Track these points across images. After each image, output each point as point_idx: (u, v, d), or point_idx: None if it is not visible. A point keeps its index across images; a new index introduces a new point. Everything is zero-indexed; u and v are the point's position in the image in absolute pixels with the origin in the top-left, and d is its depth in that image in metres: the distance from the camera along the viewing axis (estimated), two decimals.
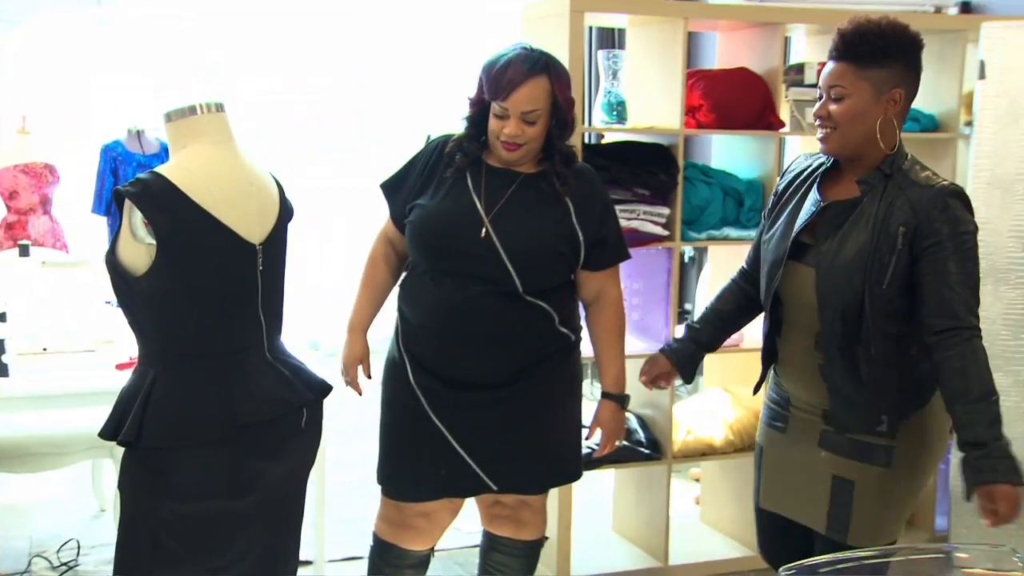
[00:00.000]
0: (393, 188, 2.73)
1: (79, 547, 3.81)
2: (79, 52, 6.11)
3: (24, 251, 3.52)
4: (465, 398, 2.62)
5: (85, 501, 4.30)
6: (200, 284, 2.17)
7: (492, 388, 2.62)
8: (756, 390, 2.60)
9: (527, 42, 2.60)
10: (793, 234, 2.32)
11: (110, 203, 6.04)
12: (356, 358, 2.78)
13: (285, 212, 2.36)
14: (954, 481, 3.77)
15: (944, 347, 2.14)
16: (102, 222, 6.06)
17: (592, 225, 2.62)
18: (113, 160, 6.01)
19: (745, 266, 2.62)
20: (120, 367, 3.31)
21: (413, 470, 2.69)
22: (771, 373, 2.51)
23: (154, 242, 2.11)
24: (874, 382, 2.24)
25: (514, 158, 2.57)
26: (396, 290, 2.81)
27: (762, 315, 2.54)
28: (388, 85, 6.95)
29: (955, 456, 3.20)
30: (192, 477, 2.17)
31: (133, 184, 2.12)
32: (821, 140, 2.28)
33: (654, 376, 2.65)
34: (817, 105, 2.28)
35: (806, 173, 2.40)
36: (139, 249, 2.13)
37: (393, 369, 2.71)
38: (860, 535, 2.28)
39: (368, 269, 2.81)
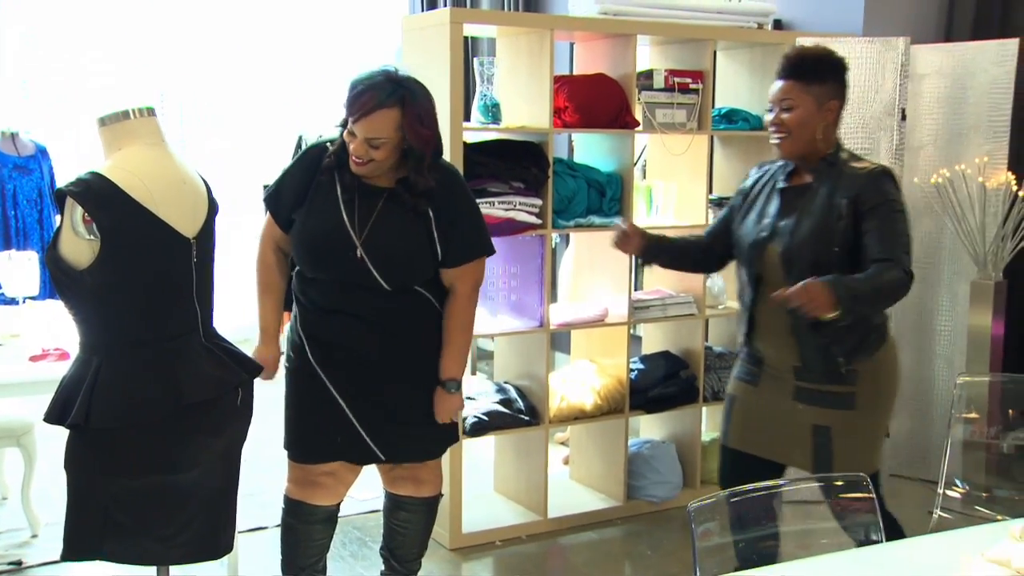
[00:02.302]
0: (275, 200, 2.71)
1: None
2: None
3: None
4: (358, 371, 2.67)
5: None
6: (141, 276, 2.18)
7: (382, 361, 2.67)
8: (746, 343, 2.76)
9: (399, 67, 2.55)
10: (768, 218, 2.61)
11: None
12: (275, 361, 2.80)
13: (213, 207, 2.38)
14: None
15: (874, 266, 2.42)
16: None
17: (446, 230, 2.66)
18: None
19: (705, 237, 2.92)
20: (34, 359, 3.21)
21: (314, 435, 2.74)
22: (744, 339, 2.75)
23: (93, 238, 2.10)
24: (832, 330, 2.47)
25: (361, 172, 2.57)
26: None
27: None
28: (265, 91, 6.83)
29: None
30: (139, 454, 2.18)
31: (75, 184, 2.11)
32: (777, 145, 2.58)
33: (622, 237, 2.83)
34: (771, 116, 2.58)
35: (768, 174, 2.72)
36: (80, 245, 2.12)
37: (294, 348, 2.74)
38: (844, 470, 2.48)
39: (263, 277, 2.78)
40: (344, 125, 2.57)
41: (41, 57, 6.19)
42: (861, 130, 3.96)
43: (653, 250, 2.87)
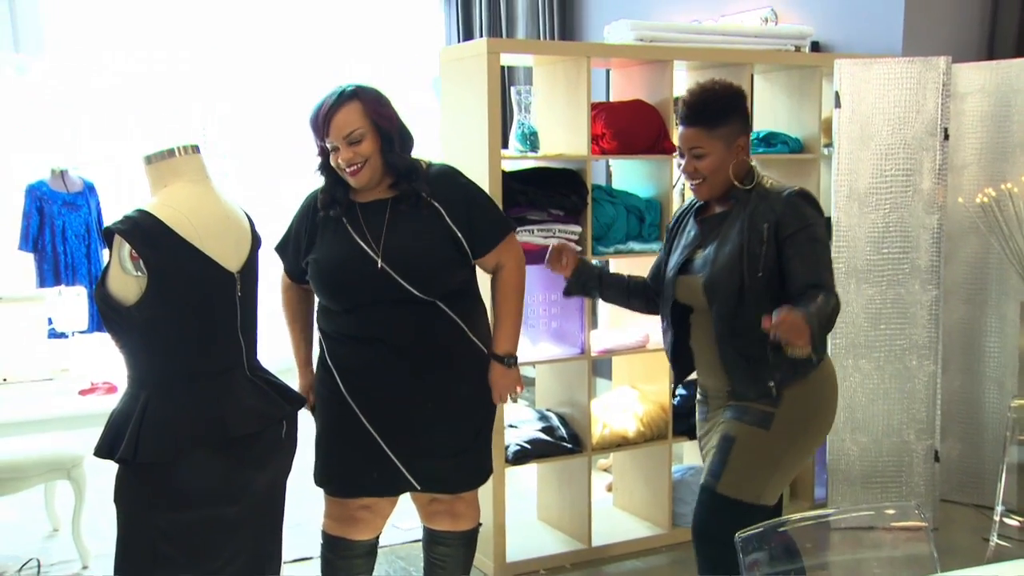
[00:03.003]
0: (283, 249, 2.79)
1: (39, 565, 3.72)
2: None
3: None
4: (389, 400, 2.65)
5: (38, 522, 4.18)
6: (186, 311, 2.19)
7: (413, 388, 2.64)
8: (673, 394, 2.79)
9: (344, 84, 2.62)
10: (679, 252, 2.63)
11: (36, 239, 5.88)
12: (310, 387, 2.82)
13: (256, 241, 2.40)
14: (830, 455, 4.01)
15: (807, 292, 2.38)
16: (29, 258, 5.89)
17: (461, 219, 2.67)
18: (38, 199, 5.86)
19: (648, 280, 2.88)
20: (83, 393, 3.25)
21: (350, 469, 2.72)
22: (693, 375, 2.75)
23: (141, 274, 2.13)
24: (760, 355, 2.45)
25: (363, 181, 2.61)
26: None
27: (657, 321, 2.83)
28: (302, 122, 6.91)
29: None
30: (186, 488, 2.18)
31: (122, 222, 2.13)
32: (694, 189, 2.58)
33: (555, 255, 2.84)
34: (683, 163, 2.55)
35: (684, 211, 2.74)
36: (128, 281, 2.14)
37: (323, 380, 2.73)
38: (729, 486, 2.48)
39: (288, 313, 2.86)
40: (323, 165, 2.65)
41: (89, 94, 6.32)
42: (903, 151, 3.91)
43: (588, 278, 2.85)
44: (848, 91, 3.95)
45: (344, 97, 2.56)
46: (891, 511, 1.88)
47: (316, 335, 2.86)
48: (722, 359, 2.52)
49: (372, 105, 2.58)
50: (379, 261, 2.58)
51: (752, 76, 4.03)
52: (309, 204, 2.73)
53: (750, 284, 2.44)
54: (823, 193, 4.22)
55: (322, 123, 2.56)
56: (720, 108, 2.49)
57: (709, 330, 2.54)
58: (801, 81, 4.22)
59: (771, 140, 4.14)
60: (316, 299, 2.81)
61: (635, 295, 2.88)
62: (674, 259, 2.64)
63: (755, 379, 2.48)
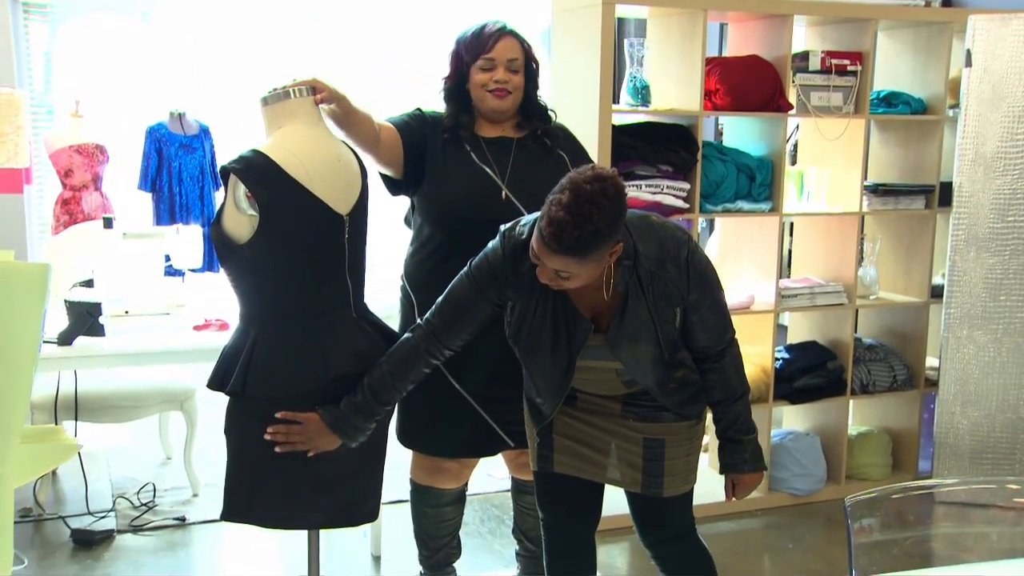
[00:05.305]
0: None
1: (155, 489, 3.88)
2: (125, 42, 6.09)
3: (108, 224, 3.54)
4: (481, 361, 2.59)
5: (152, 450, 4.36)
6: (296, 251, 2.22)
7: (508, 350, 2.48)
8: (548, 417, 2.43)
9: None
10: (565, 340, 2.23)
11: (155, 180, 6.06)
12: None
13: (366, 186, 2.40)
14: (938, 428, 3.86)
15: (711, 361, 2.31)
16: (147, 198, 6.08)
17: None
18: (157, 141, 6.01)
19: (437, 324, 2.29)
20: (197, 328, 3.35)
21: (438, 431, 2.71)
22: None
23: (255, 213, 2.16)
24: (695, 390, 2.33)
25: (504, 106, 2.60)
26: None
27: None
28: (410, 74, 6.94)
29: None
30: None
31: (237, 161, 2.16)
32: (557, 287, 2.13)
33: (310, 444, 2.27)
34: (547, 273, 2.07)
35: (530, 269, 2.16)
36: (242, 220, 2.17)
37: None
38: (672, 487, 2.34)
39: None
40: (456, 89, 2.62)
41: (207, 39, 6.46)
42: None
43: (363, 424, 2.29)
44: (981, 49, 3.73)
45: (508, 30, 2.63)
46: (1014, 486, 1.78)
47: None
48: (651, 393, 2.30)
49: (527, 47, 2.66)
50: (504, 190, 2.58)
51: (875, 32, 3.84)
52: (425, 129, 2.63)
53: (673, 354, 2.25)
54: (944, 157, 4.02)
55: (487, 41, 2.58)
56: (596, 239, 2.00)
57: (605, 368, 2.27)
58: (929, 38, 4.01)
59: (892, 100, 3.95)
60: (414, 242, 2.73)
61: (415, 377, 2.34)
62: (548, 344, 2.24)
63: (694, 403, 2.34)
